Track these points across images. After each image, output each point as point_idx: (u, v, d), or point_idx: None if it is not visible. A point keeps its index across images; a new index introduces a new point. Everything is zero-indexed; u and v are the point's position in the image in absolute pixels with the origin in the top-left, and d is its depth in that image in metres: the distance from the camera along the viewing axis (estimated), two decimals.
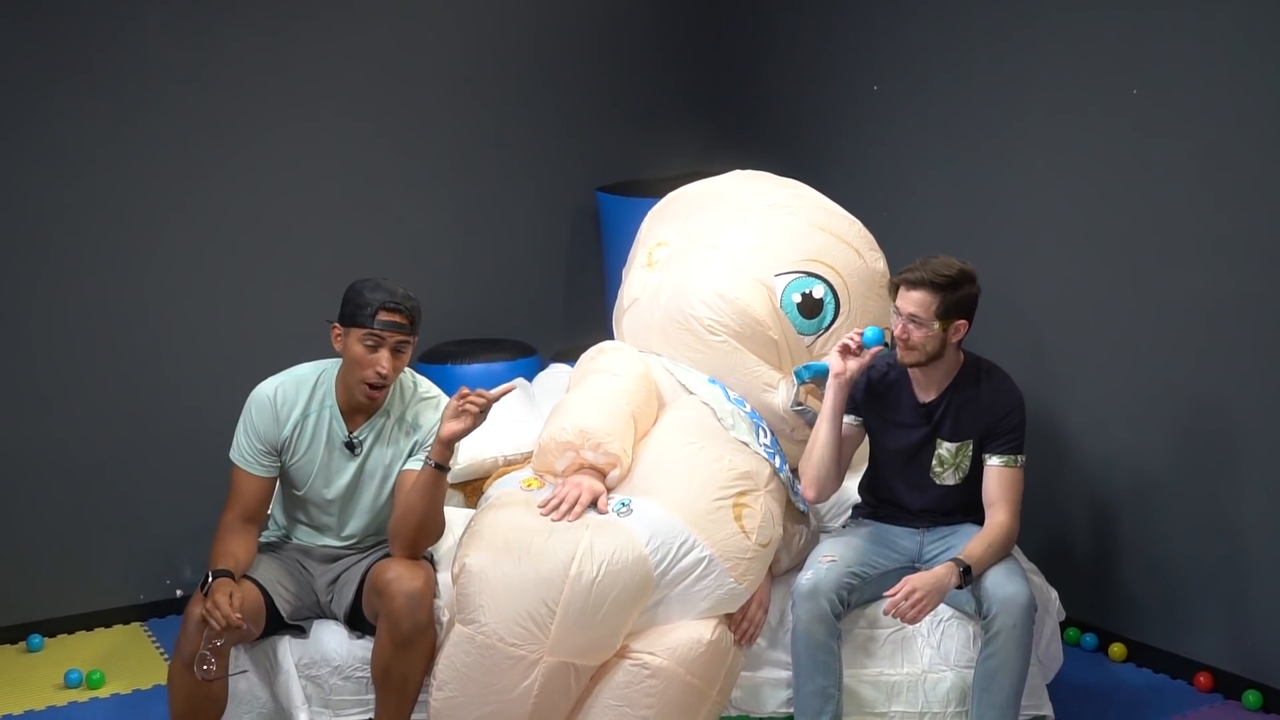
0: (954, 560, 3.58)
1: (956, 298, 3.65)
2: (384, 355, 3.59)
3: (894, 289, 3.71)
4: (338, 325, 3.66)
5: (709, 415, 3.91)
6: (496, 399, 3.50)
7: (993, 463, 3.75)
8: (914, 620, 3.52)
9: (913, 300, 3.64)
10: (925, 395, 3.80)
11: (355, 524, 3.80)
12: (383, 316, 3.59)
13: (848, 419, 3.84)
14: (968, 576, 3.57)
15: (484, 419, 3.50)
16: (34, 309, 4.80)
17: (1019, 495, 3.75)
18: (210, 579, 3.46)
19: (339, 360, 3.72)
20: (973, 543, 3.65)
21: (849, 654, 3.71)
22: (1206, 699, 4.25)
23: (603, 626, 3.46)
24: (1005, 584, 3.57)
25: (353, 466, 3.73)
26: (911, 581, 3.52)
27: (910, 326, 3.66)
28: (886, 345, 3.76)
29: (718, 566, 3.59)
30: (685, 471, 3.72)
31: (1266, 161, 3.99)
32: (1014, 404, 3.77)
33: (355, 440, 3.72)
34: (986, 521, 3.72)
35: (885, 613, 3.56)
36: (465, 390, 3.50)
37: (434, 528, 3.62)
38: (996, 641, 3.55)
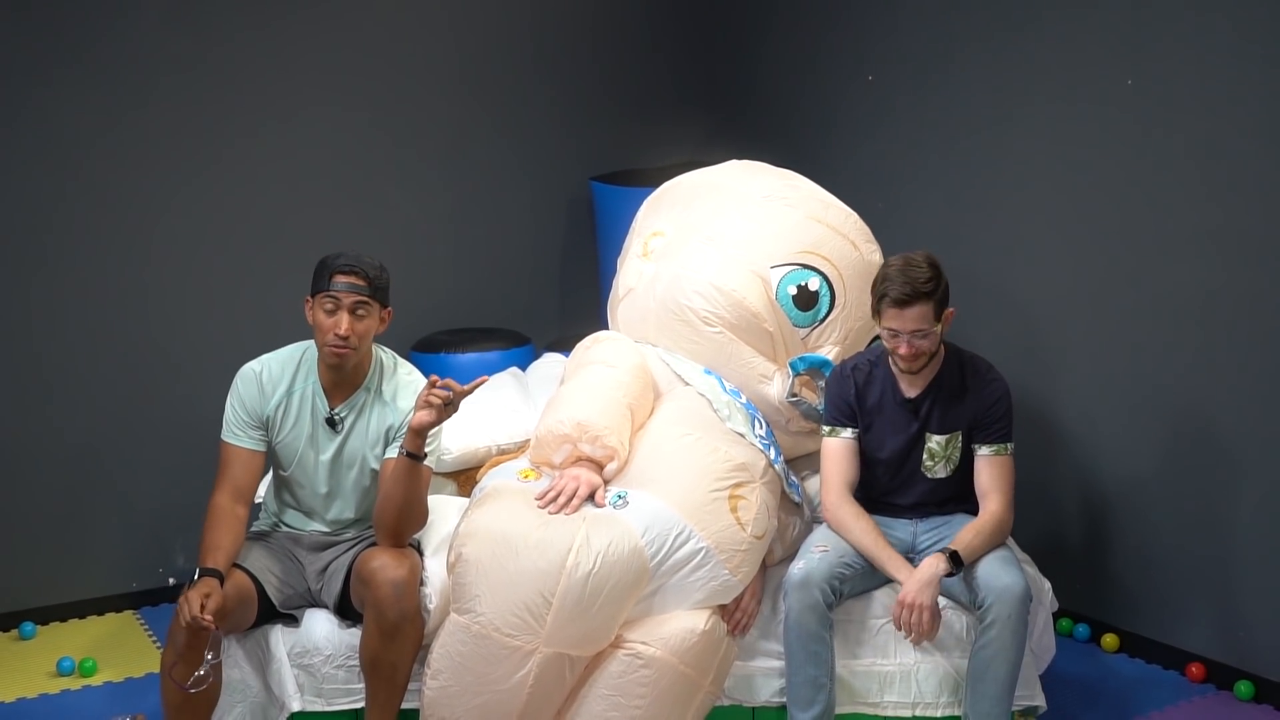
0: (941, 550, 3.59)
1: (941, 293, 3.66)
2: (343, 317, 3.61)
3: (879, 311, 3.67)
4: (308, 299, 3.69)
5: (705, 406, 3.90)
6: (465, 393, 3.49)
7: (982, 452, 3.76)
8: (929, 628, 3.55)
9: (912, 317, 3.61)
10: (910, 391, 3.80)
11: (341, 505, 3.80)
12: (338, 279, 3.62)
13: (847, 433, 3.84)
14: (957, 562, 3.58)
15: (452, 412, 3.50)
16: (28, 297, 4.79)
17: (1011, 483, 3.75)
18: (196, 576, 3.46)
19: None
20: (964, 531, 3.66)
21: (841, 644, 3.71)
22: (1198, 689, 4.26)
23: (598, 618, 3.46)
24: (1000, 574, 3.58)
25: (335, 443, 3.74)
26: (900, 599, 3.55)
27: (916, 340, 3.64)
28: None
29: (713, 558, 3.58)
30: (681, 463, 3.72)
31: (1262, 154, 3.99)
32: (1000, 393, 3.77)
33: (336, 417, 3.73)
34: (980, 511, 3.73)
35: (906, 637, 3.60)
36: (435, 378, 3.50)
37: (415, 515, 3.63)
38: (991, 631, 3.55)
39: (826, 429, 3.86)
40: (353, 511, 3.81)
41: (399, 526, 3.60)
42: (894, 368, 3.78)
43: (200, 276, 5.02)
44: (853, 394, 3.83)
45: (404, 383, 3.78)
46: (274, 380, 3.74)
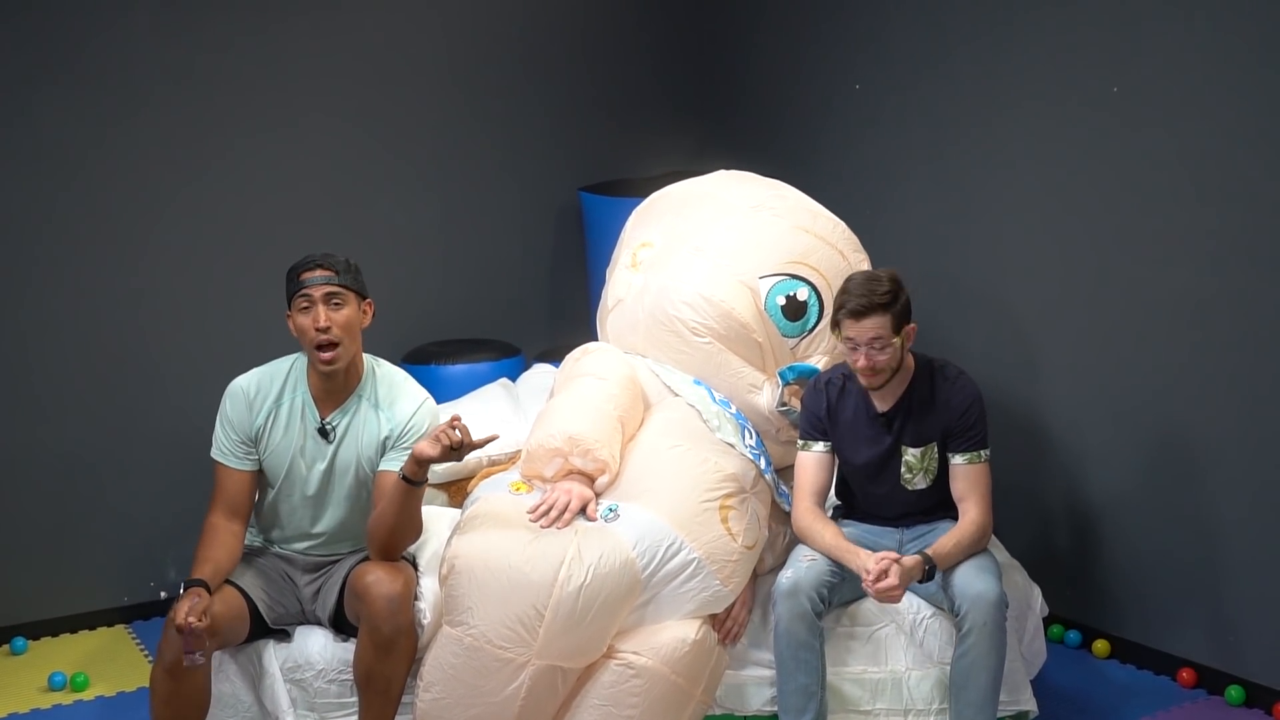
0: (922, 554, 3.60)
1: (900, 307, 3.65)
2: (319, 310, 3.60)
3: (837, 324, 3.69)
4: (288, 312, 3.69)
5: (694, 417, 3.91)
6: (474, 445, 3.46)
7: (957, 461, 3.76)
8: (880, 595, 3.54)
9: (869, 327, 3.62)
10: (882, 405, 3.79)
11: (331, 515, 3.76)
12: (305, 275, 3.64)
13: (819, 446, 3.85)
14: (931, 571, 3.59)
15: (457, 457, 3.47)
16: (18, 308, 4.78)
17: (987, 489, 3.75)
18: (184, 588, 3.46)
19: None
20: (943, 539, 3.66)
21: (832, 652, 3.71)
22: (1189, 695, 4.27)
23: (590, 630, 3.47)
24: (974, 581, 3.58)
25: (328, 453, 3.72)
26: (898, 564, 3.53)
27: (873, 352, 3.64)
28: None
29: (705, 568, 3.59)
30: (672, 474, 3.73)
31: (1250, 160, 4.00)
32: (970, 400, 3.76)
33: (328, 426, 3.71)
34: (959, 519, 3.73)
35: (864, 587, 3.57)
36: (456, 419, 3.47)
37: (408, 533, 3.62)
38: (969, 639, 3.56)
39: (800, 442, 3.87)
40: (343, 523, 3.78)
41: (390, 542, 3.59)
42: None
43: (190, 287, 5.02)
44: (824, 409, 3.84)
45: (400, 390, 3.76)
46: (263, 392, 3.72)
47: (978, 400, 3.77)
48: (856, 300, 3.63)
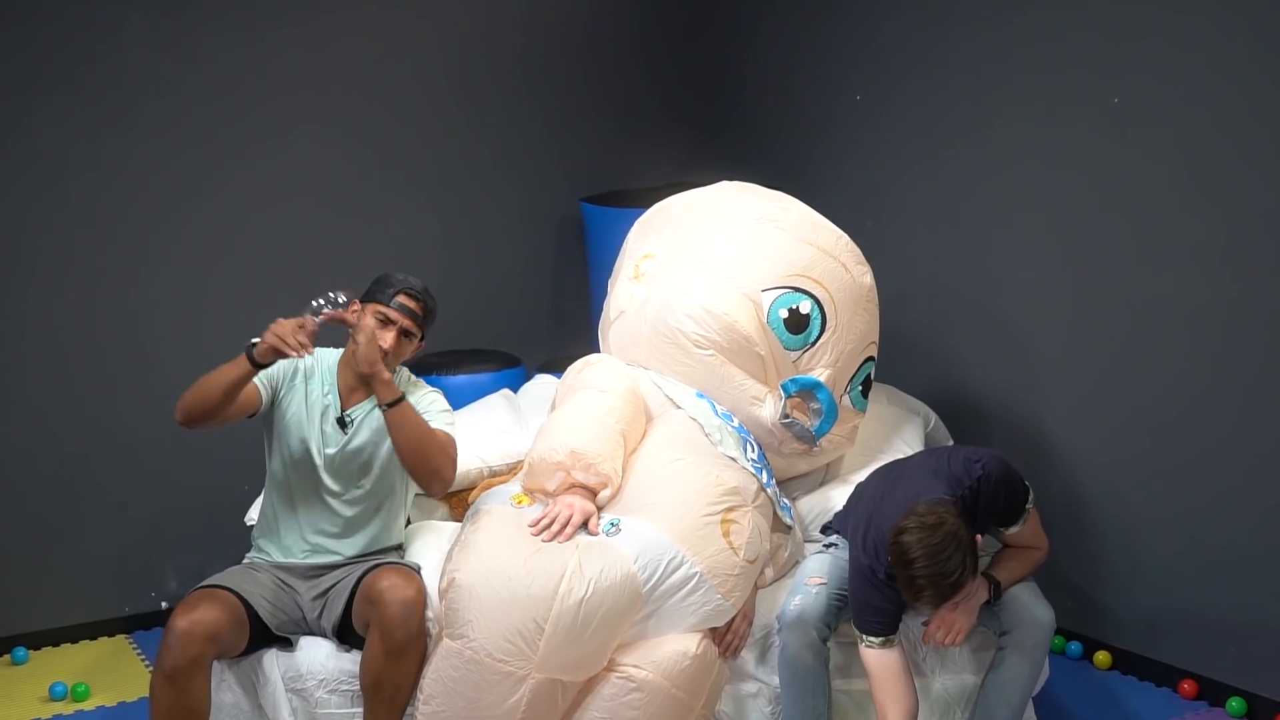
0: (985, 574, 3.59)
1: (973, 560, 3.34)
2: (390, 333, 3.72)
3: (915, 602, 3.37)
4: (357, 302, 3.76)
5: (696, 430, 3.90)
6: (336, 317, 3.62)
7: (1011, 532, 3.70)
8: (955, 644, 3.58)
9: (954, 603, 3.43)
10: None
11: (337, 507, 3.79)
12: (402, 299, 3.75)
13: (896, 640, 3.55)
14: (997, 591, 3.59)
15: (366, 335, 3.63)
16: (18, 318, 4.79)
17: (1040, 527, 3.74)
18: (251, 345, 3.59)
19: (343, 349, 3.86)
20: (1007, 563, 3.67)
21: (837, 664, 3.71)
22: (1191, 706, 4.27)
23: (590, 644, 3.46)
24: (1032, 604, 3.60)
25: (340, 441, 3.79)
26: (943, 618, 3.55)
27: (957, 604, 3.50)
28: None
29: (706, 583, 3.58)
30: (674, 488, 3.72)
31: (1249, 168, 4.00)
32: (1007, 498, 3.60)
33: (348, 418, 3.79)
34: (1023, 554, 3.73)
35: (924, 641, 3.62)
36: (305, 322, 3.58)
37: (431, 449, 3.68)
38: (1013, 658, 3.57)
39: (876, 640, 3.51)
40: (349, 508, 3.80)
41: (422, 464, 3.68)
42: None
43: (189, 298, 5.02)
44: (902, 609, 3.54)
45: (417, 386, 3.88)
46: (305, 364, 3.83)
47: (1002, 482, 3.58)
48: (937, 593, 3.30)
